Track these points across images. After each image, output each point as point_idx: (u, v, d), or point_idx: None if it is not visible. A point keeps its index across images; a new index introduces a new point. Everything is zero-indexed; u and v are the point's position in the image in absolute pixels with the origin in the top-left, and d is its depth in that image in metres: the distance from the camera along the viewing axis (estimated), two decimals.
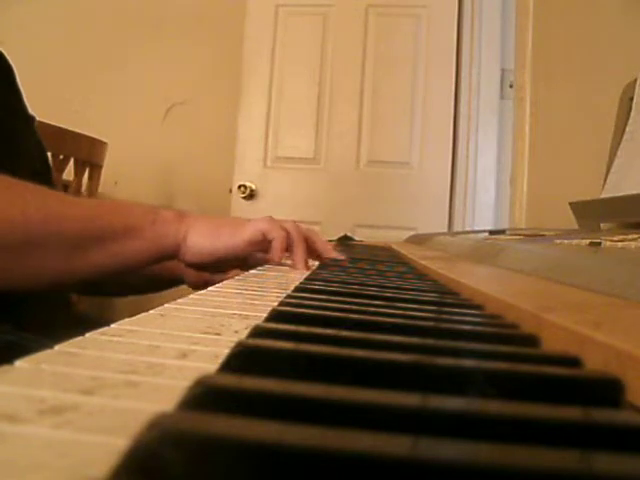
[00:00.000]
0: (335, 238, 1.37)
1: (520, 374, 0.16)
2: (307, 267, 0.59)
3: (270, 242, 0.58)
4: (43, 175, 0.74)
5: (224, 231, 0.58)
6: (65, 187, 1.49)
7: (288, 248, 0.60)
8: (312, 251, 0.64)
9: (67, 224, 0.51)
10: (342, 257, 0.63)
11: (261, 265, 0.65)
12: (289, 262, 0.61)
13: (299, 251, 0.59)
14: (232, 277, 0.64)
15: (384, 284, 0.40)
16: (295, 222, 0.63)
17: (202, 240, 0.57)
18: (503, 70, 1.88)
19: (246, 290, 0.39)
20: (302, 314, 0.25)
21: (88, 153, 1.57)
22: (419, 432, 0.11)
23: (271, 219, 0.60)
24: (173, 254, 0.58)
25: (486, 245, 0.67)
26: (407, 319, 0.25)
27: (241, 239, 0.58)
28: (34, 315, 0.62)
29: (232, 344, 0.17)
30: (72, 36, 2.12)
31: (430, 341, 0.20)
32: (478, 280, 0.42)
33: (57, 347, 0.19)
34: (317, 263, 0.65)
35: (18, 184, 0.49)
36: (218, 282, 0.76)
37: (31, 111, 0.76)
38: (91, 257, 0.52)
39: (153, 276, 0.79)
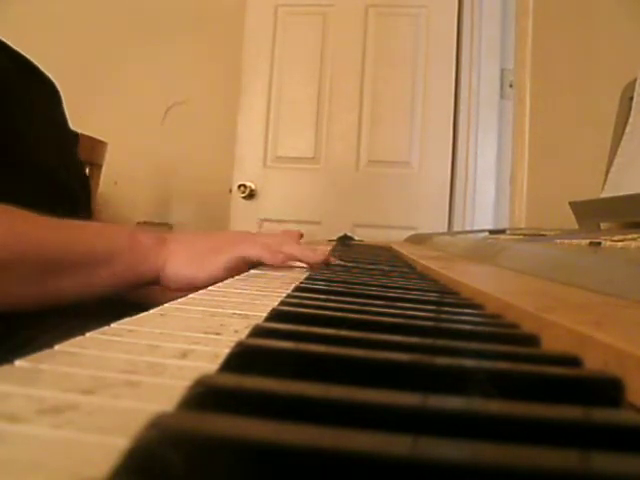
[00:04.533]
0: (335, 238, 1.37)
1: (520, 374, 0.16)
2: (315, 255, 0.58)
3: (255, 262, 0.58)
4: (84, 191, 0.75)
5: (204, 258, 0.57)
6: None
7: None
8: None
9: (40, 248, 0.49)
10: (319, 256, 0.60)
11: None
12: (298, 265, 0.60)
13: (294, 251, 0.58)
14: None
15: (386, 284, 0.40)
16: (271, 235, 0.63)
17: (182, 269, 0.56)
18: (503, 70, 1.88)
19: (246, 290, 0.39)
20: (302, 314, 0.25)
21: (88, 153, 1.57)
22: (419, 432, 0.11)
23: (249, 242, 0.59)
24: (151, 280, 0.56)
25: (486, 245, 0.67)
26: (407, 319, 0.25)
27: (219, 268, 0.56)
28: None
29: (232, 344, 0.17)
30: (71, 36, 2.12)
31: (430, 341, 0.20)
32: (478, 280, 0.42)
33: (57, 347, 0.19)
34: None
35: None
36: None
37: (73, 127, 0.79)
38: (65, 282, 0.50)
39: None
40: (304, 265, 0.59)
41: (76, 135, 0.81)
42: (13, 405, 0.13)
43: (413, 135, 1.89)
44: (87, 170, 1.60)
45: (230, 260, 0.57)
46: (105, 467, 0.10)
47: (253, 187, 1.94)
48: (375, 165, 1.91)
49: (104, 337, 0.21)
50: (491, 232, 1.09)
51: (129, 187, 2.05)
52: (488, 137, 1.89)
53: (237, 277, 0.49)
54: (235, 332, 0.24)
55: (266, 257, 0.57)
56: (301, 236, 0.71)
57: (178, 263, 0.56)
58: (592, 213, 0.87)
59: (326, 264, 0.58)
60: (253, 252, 0.57)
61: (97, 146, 1.64)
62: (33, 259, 0.48)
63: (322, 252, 0.60)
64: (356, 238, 1.48)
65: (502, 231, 1.13)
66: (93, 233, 0.56)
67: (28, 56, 0.73)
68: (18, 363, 0.17)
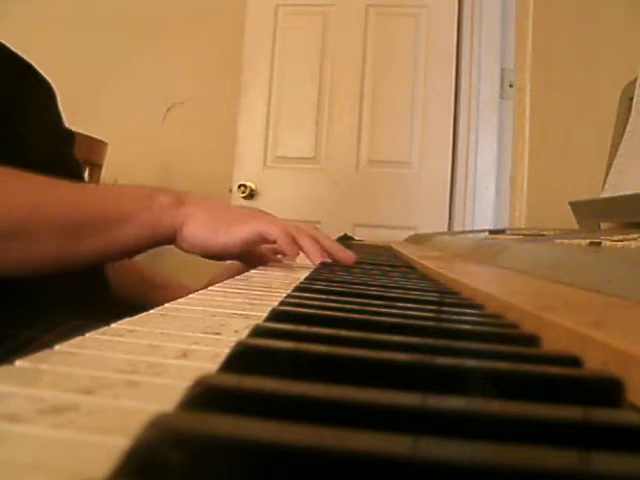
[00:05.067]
0: (335, 238, 1.37)
1: (520, 374, 0.16)
2: (324, 256, 0.58)
3: (272, 242, 0.57)
4: None
5: (221, 226, 0.56)
6: None
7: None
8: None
9: (58, 211, 0.50)
10: (351, 257, 0.59)
11: (264, 262, 0.64)
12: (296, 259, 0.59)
13: (307, 245, 0.58)
14: (231, 273, 0.64)
15: (386, 284, 0.40)
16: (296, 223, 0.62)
17: (198, 233, 0.56)
18: (503, 70, 1.88)
19: (247, 290, 0.39)
20: (302, 314, 0.25)
21: (88, 153, 1.57)
22: (419, 432, 0.11)
23: (270, 220, 0.59)
24: (168, 241, 0.56)
25: (486, 245, 0.67)
26: (407, 319, 0.25)
27: (237, 238, 0.56)
28: (73, 296, 0.61)
29: (232, 344, 0.17)
30: (71, 36, 2.12)
31: (430, 341, 0.20)
32: (478, 280, 0.42)
33: (57, 347, 0.19)
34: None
35: (3, 171, 0.48)
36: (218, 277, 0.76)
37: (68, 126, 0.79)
38: (85, 244, 0.51)
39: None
40: (309, 264, 0.59)
41: (72, 134, 0.81)
42: (13, 405, 0.13)
43: (413, 135, 1.89)
44: (87, 170, 1.60)
45: (249, 233, 0.56)
46: (105, 467, 0.10)
47: (253, 187, 1.94)
48: (375, 165, 1.91)
49: (104, 337, 0.21)
50: (491, 232, 1.09)
51: None
52: (488, 137, 1.89)
53: (237, 277, 0.49)
54: (235, 332, 0.24)
55: (282, 242, 0.56)
56: None
57: (195, 226, 0.56)
58: (592, 213, 0.87)
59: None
60: (272, 231, 0.56)
61: (97, 146, 1.64)
62: (53, 221, 0.49)
63: (323, 255, 0.59)
64: (356, 238, 1.48)
65: (502, 231, 1.13)
66: (111, 194, 0.56)
67: (25, 56, 0.73)
68: (18, 363, 0.17)
